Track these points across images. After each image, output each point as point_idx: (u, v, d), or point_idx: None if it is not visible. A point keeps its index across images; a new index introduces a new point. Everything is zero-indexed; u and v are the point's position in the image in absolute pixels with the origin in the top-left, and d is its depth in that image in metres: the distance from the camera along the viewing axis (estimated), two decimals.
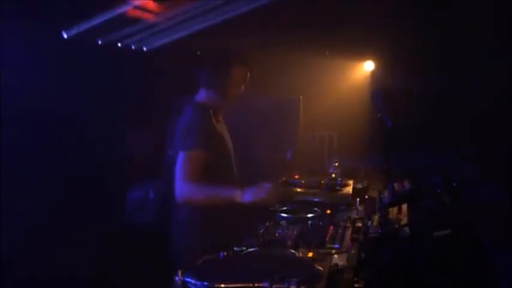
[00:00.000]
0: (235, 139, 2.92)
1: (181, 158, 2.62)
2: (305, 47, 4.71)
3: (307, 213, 2.73)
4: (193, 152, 2.62)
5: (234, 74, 2.76)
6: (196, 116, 2.71)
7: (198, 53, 4.67)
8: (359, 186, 3.41)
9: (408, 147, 3.99)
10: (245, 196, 2.57)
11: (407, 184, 3.05)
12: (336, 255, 2.22)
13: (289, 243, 2.38)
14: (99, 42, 3.84)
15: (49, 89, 3.45)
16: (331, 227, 2.55)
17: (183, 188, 2.59)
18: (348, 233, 2.49)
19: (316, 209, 2.80)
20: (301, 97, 4.73)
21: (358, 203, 2.98)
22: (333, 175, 3.60)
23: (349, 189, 3.35)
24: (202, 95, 2.82)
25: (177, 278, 1.93)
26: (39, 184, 3.38)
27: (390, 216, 2.55)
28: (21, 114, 3.32)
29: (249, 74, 2.82)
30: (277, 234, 2.49)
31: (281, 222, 2.67)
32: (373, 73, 5.13)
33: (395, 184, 3.01)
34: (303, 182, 3.44)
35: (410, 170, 3.63)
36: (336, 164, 3.65)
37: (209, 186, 2.59)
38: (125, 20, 3.76)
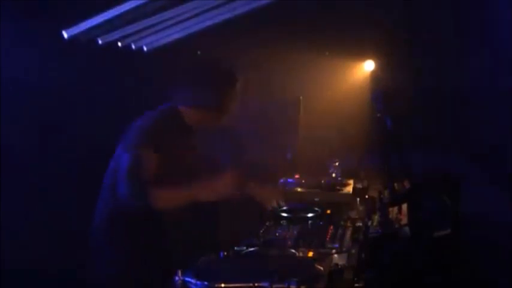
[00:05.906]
0: (235, 140, 2.90)
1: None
2: (305, 47, 4.70)
3: (307, 213, 2.74)
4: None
5: (233, 92, 2.65)
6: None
7: (198, 52, 4.67)
8: (359, 186, 3.42)
9: (408, 147, 3.98)
10: (204, 194, 2.42)
11: (407, 184, 3.05)
12: (336, 255, 2.22)
13: (289, 243, 2.38)
14: (99, 42, 3.83)
15: (48, 88, 3.45)
16: (331, 227, 2.55)
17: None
18: (348, 232, 2.49)
19: (316, 208, 2.80)
20: (301, 97, 4.72)
21: (358, 202, 2.98)
22: (333, 175, 3.61)
23: (349, 189, 3.35)
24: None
25: (177, 278, 1.93)
26: (38, 184, 3.38)
27: (390, 216, 2.55)
28: (21, 114, 3.32)
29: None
30: (277, 234, 2.49)
31: (281, 222, 2.67)
32: (373, 73, 5.12)
33: (395, 184, 3.01)
34: (303, 181, 3.44)
35: (410, 170, 3.63)
36: (336, 164, 3.65)
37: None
38: (125, 20, 3.75)
